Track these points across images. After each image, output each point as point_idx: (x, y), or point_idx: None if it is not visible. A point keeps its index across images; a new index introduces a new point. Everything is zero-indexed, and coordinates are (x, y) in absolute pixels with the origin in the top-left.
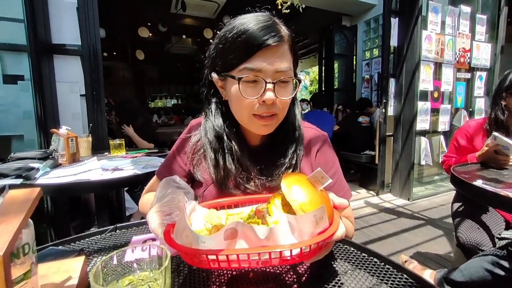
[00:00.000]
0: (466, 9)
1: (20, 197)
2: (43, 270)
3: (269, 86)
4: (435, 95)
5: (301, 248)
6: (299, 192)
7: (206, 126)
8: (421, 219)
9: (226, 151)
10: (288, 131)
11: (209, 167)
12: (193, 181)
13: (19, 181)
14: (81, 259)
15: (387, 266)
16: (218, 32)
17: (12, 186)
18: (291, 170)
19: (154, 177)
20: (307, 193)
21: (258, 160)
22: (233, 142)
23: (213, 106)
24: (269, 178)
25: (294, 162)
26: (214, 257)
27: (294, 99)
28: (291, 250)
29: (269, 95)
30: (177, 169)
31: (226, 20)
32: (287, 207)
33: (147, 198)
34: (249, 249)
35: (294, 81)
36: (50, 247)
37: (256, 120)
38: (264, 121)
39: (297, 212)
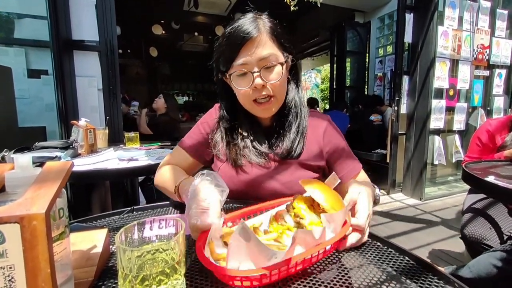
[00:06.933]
0: (485, 3)
1: (56, 168)
2: (70, 239)
3: (256, 74)
4: (451, 93)
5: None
6: (323, 196)
7: (221, 112)
8: (433, 219)
9: (237, 131)
10: (291, 108)
11: (223, 146)
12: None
13: None
14: (104, 231)
15: (390, 250)
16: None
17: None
18: (297, 143)
19: (176, 147)
20: (330, 195)
21: (269, 137)
22: (243, 124)
23: (224, 96)
24: (279, 152)
25: (299, 136)
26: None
27: (297, 82)
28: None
29: (257, 81)
30: (201, 139)
31: (237, 18)
32: (312, 209)
33: (165, 170)
34: (303, 254)
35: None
36: (75, 223)
37: (256, 106)
38: (262, 106)
39: (329, 211)
